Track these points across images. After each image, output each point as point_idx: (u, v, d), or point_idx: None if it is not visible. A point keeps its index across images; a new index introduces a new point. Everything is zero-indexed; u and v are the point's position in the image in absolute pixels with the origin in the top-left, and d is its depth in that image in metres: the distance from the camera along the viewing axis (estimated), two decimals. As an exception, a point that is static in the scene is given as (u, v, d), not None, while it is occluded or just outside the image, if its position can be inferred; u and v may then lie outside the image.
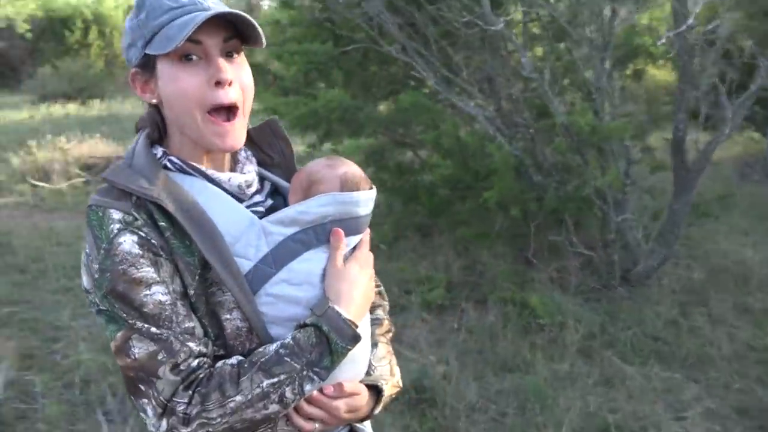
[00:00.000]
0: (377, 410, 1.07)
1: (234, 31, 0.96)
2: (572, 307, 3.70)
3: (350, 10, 4.55)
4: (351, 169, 1.07)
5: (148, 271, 0.90)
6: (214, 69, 0.94)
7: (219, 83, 0.94)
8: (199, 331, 0.93)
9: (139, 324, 0.90)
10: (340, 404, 0.99)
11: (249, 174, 1.05)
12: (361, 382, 1.03)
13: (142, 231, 0.91)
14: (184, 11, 0.92)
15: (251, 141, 1.11)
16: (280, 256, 0.97)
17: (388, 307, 1.23)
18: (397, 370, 1.13)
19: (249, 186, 1.04)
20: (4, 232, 5.30)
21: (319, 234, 1.00)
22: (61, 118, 12.36)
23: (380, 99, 5.71)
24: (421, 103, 4.41)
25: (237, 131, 0.99)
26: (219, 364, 0.93)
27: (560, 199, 4.06)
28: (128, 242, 0.90)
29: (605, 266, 4.11)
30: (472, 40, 4.38)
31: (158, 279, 0.91)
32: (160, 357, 0.89)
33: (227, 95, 0.95)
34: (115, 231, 0.90)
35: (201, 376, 0.91)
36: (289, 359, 0.91)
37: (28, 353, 3.45)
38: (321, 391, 0.97)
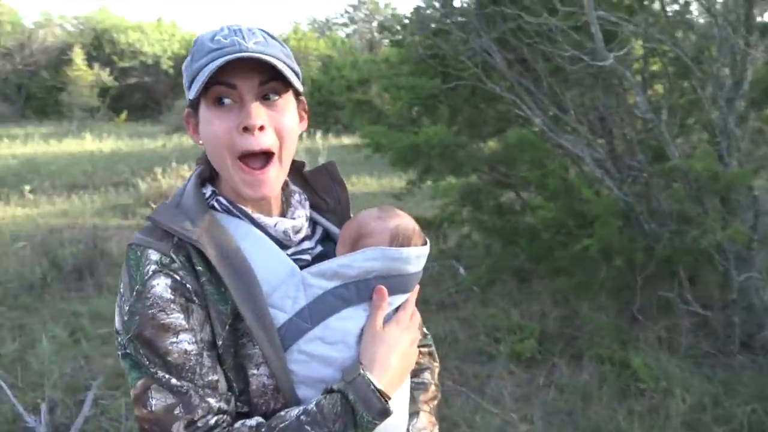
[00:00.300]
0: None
1: (274, 74, 0.92)
2: (680, 373, 3.30)
3: (456, 47, 4.49)
4: (403, 222, 1.00)
5: (177, 318, 0.87)
6: (244, 114, 0.90)
7: (247, 129, 0.90)
8: (222, 385, 0.89)
9: (161, 373, 0.86)
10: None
11: (298, 219, 1.00)
12: None
13: (177, 274, 0.88)
14: (221, 53, 0.89)
15: (306, 184, 1.08)
16: (318, 310, 0.91)
17: (438, 371, 1.15)
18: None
19: (297, 232, 0.99)
20: (118, 253, 5.68)
21: (361, 290, 0.94)
22: (189, 147, 13.30)
23: (486, 136, 5.59)
24: (528, 140, 4.23)
25: (270, 180, 0.93)
26: (237, 424, 0.88)
27: (674, 251, 3.68)
28: (161, 285, 0.87)
29: (723, 329, 3.65)
30: (584, 77, 4.16)
31: (186, 327, 0.87)
32: (176, 412, 0.86)
33: (258, 141, 0.91)
34: (150, 273, 0.88)
35: None
36: (309, 428, 0.85)
37: (121, 373, 3.61)
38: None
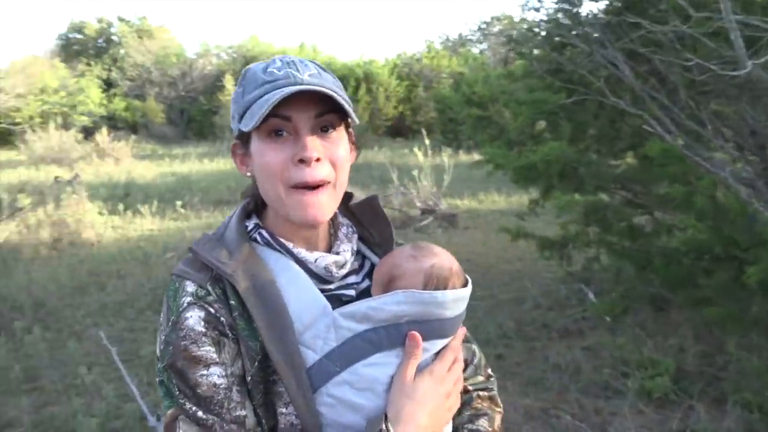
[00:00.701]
0: None
1: (331, 106, 0.92)
2: None
3: (580, 59, 4.26)
4: (439, 261, 0.95)
5: (208, 351, 0.87)
6: (300, 146, 0.90)
7: (303, 161, 0.90)
8: (251, 421, 0.88)
9: (189, 405, 0.87)
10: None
11: (343, 254, 0.98)
12: None
13: (212, 307, 0.89)
14: (276, 86, 0.89)
15: (354, 217, 1.07)
16: (346, 354, 0.88)
17: (499, 417, 1.10)
18: None
19: (341, 267, 0.97)
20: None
21: (392, 335, 0.89)
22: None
23: (618, 153, 5.24)
24: (673, 153, 3.86)
25: (323, 204, 0.92)
26: None
27: None
28: (194, 318, 0.88)
29: None
30: (725, 88, 3.75)
31: (217, 360, 0.87)
32: None
33: (312, 174, 0.91)
34: (185, 305, 0.89)
35: None
36: None
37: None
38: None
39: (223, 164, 14.89)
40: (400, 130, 23.79)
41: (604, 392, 3.60)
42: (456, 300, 0.93)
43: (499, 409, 1.10)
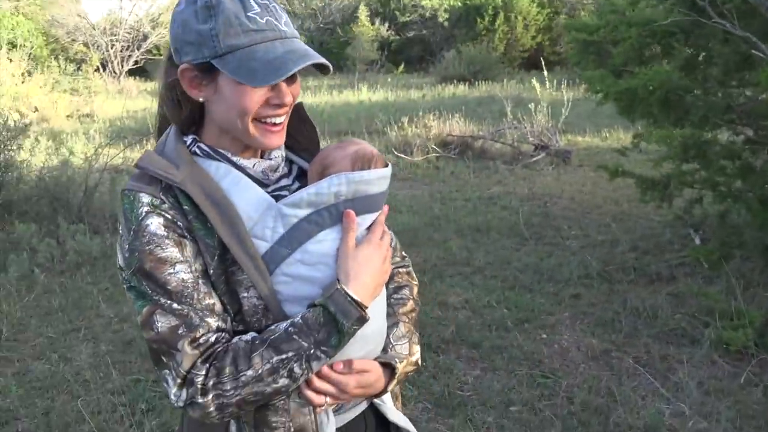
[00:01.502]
0: (391, 387, 1.10)
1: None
2: None
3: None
4: (361, 147, 1.09)
5: (172, 251, 0.98)
6: (277, 92, 0.99)
7: (278, 106, 1.01)
8: (218, 307, 1.00)
9: (163, 300, 0.97)
10: (350, 380, 1.03)
11: (274, 159, 1.10)
12: (376, 359, 1.07)
13: (168, 213, 0.99)
14: (264, 37, 0.96)
15: None
16: (296, 237, 1.01)
17: (416, 288, 1.24)
18: (416, 349, 1.16)
19: (274, 170, 1.10)
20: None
21: (333, 214, 1.03)
22: (445, 98, 13.69)
23: (746, 84, 4.66)
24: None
25: (283, 134, 1.05)
26: (235, 339, 1.00)
27: None
28: (155, 224, 0.98)
29: None
30: None
31: (182, 258, 0.98)
32: (180, 331, 0.96)
33: (281, 114, 1.02)
34: (144, 213, 0.98)
35: (218, 350, 0.98)
36: (297, 337, 0.96)
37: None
38: (332, 367, 1.02)
39: (351, 96, 15.24)
40: (536, 62, 22.68)
41: (678, 339, 3.41)
42: (379, 177, 1.06)
43: (415, 282, 1.23)
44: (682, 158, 4.06)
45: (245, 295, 1.00)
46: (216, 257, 1.00)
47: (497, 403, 2.90)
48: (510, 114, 8.41)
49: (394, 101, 13.92)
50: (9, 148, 5.54)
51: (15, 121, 5.80)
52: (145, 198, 0.99)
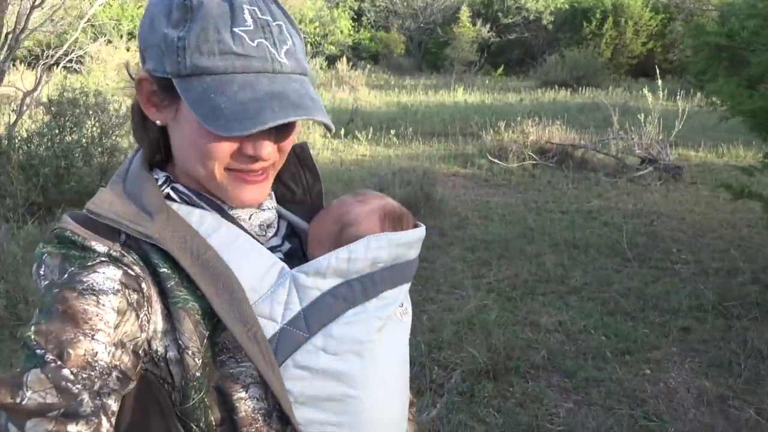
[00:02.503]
0: None
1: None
2: None
3: None
4: (388, 201, 0.89)
5: (106, 314, 0.66)
6: (254, 142, 0.74)
7: (253, 159, 0.75)
8: (113, 426, 0.67)
9: (51, 358, 0.63)
10: None
11: (269, 211, 0.85)
12: None
13: (132, 270, 0.70)
14: (247, 66, 0.70)
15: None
16: (316, 316, 0.76)
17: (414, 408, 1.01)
18: None
19: (269, 226, 0.85)
20: (441, 197, 6.03)
21: (366, 287, 0.80)
22: (545, 103, 13.16)
23: None
24: None
25: (264, 189, 0.79)
26: None
27: None
28: (108, 274, 0.68)
29: None
30: None
31: (111, 333, 0.67)
32: (50, 414, 0.62)
33: (257, 168, 0.77)
34: (97, 260, 0.69)
35: None
36: None
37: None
38: None
39: (446, 97, 15.00)
40: (645, 70, 21.42)
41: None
42: (419, 239, 0.86)
43: (413, 399, 0.99)
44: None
45: (241, 395, 0.73)
46: (206, 340, 0.72)
47: (592, 445, 2.60)
48: (616, 123, 7.88)
49: (490, 104, 13.54)
50: (116, 134, 5.76)
51: (117, 109, 6.00)
52: (100, 247, 0.70)
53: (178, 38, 0.70)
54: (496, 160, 7.84)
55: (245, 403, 0.73)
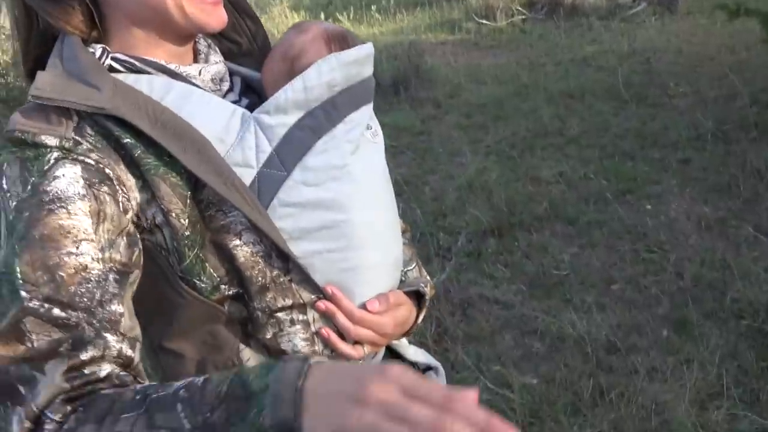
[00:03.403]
0: (420, 318, 0.90)
1: None
2: None
3: None
4: (329, 25, 0.86)
5: (81, 221, 0.66)
6: None
7: None
8: (126, 323, 0.68)
9: (39, 298, 0.63)
10: (388, 319, 0.81)
11: (219, 64, 0.83)
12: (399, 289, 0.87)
13: (89, 157, 0.69)
14: None
15: None
16: (289, 152, 0.76)
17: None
18: (424, 272, 0.98)
19: (222, 80, 0.82)
20: (431, 66, 5.87)
21: (329, 113, 0.78)
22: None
23: None
24: None
25: (223, 9, 0.78)
26: (127, 387, 0.64)
27: None
28: (69, 175, 0.67)
29: None
30: None
31: (92, 235, 0.66)
32: (61, 349, 0.62)
33: None
34: (52, 161, 0.67)
35: (99, 391, 0.63)
36: (181, 408, 0.58)
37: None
38: (364, 307, 0.80)
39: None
40: None
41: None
42: (368, 54, 0.83)
43: (406, 226, 1.00)
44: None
45: (236, 242, 0.73)
46: (188, 200, 0.72)
47: (597, 282, 2.71)
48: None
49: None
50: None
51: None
52: (51, 140, 0.68)
53: None
54: (483, 21, 7.53)
55: (242, 249, 0.74)
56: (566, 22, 7.26)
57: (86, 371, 0.62)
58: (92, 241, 0.66)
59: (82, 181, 0.67)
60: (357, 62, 0.80)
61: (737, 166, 3.43)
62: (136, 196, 0.71)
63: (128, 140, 0.70)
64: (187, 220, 0.72)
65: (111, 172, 0.69)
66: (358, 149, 0.80)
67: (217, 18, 0.77)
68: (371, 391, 0.51)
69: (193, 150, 0.71)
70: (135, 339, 0.68)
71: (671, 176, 3.51)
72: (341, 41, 0.83)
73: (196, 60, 0.83)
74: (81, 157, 0.68)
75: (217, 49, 0.86)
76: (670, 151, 3.79)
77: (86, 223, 0.66)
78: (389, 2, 9.47)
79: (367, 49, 0.82)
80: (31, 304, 0.62)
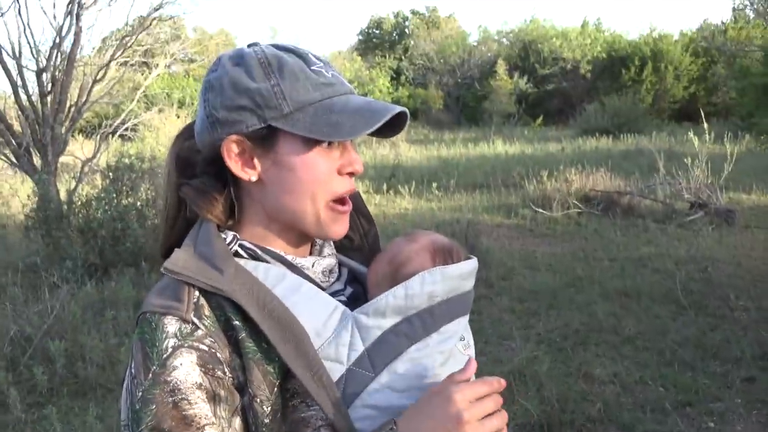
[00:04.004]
0: None
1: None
2: None
3: None
4: (436, 237, 0.91)
5: (202, 408, 0.73)
6: (348, 158, 0.84)
7: (351, 174, 0.85)
8: None
9: None
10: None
11: (330, 257, 0.90)
12: None
13: (203, 344, 0.76)
14: (335, 91, 0.82)
15: None
16: (380, 355, 0.79)
17: None
18: None
19: (331, 271, 0.89)
20: (486, 247, 6.00)
21: (426, 322, 0.81)
22: (587, 151, 13.07)
23: None
24: None
25: (348, 219, 0.88)
26: None
27: None
28: (186, 365, 0.74)
29: None
30: None
31: (212, 420, 0.74)
32: None
33: (352, 185, 0.86)
34: (170, 349, 0.75)
35: None
36: None
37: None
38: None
39: (486, 149, 15.10)
40: (689, 114, 21.15)
41: None
42: (472, 270, 0.87)
43: None
44: None
45: None
46: (275, 388, 0.77)
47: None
48: (662, 168, 7.77)
49: (531, 154, 13.56)
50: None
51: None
52: (171, 326, 0.76)
53: (273, 86, 0.80)
54: (539, 210, 7.79)
55: None
56: (622, 221, 7.43)
57: None
58: (213, 424, 0.73)
59: (198, 369, 0.74)
60: (459, 277, 0.84)
61: (808, 394, 3.23)
62: (238, 375, 0.77)
63: (237, 322, 0.77)
64: (269, 408, 0.76)
65: (221, 356, 0.76)
66: (448, 361, 0.81)
67: (343, 227, 0.86)
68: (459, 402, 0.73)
69: (293, 342, 0.76)
70: None
71: (735, 394, 3.32)
72: (446, 254, 0.87)
73: (311, 251, 0.91)
74: (196, 344, 0.75)
75: (331, 242, 0.93)
76: (733, 366, 3.62)
77: (206, 409, 0.73)
78: (449, 181, 9.99)
79: (471, 265, 0.86)
80: None
